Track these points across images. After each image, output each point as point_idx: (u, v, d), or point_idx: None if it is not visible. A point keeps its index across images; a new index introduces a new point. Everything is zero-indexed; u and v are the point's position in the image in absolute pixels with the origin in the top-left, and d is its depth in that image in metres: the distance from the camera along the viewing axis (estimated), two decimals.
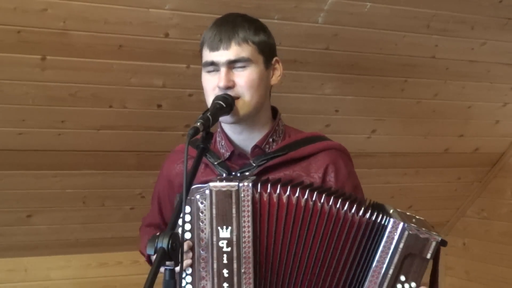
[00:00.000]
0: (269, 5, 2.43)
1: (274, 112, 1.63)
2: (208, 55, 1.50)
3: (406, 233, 1.35)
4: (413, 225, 1.36)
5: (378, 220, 1.38)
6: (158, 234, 1.20)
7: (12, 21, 2.21)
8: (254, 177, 1.47)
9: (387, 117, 3.21)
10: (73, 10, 2.23)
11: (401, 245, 1.35)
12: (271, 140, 1.57)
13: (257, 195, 1.38)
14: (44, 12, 2.20)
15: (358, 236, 1.38)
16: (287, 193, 1.39)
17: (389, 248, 1.36)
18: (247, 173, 1.52)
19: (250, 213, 1.38)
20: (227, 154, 1.57)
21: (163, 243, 1.17)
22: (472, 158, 3.72)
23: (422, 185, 3.76)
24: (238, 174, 1.52)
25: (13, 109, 2.51)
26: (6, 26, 2.22)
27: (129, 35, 2.39)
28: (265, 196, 1.38)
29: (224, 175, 1.53)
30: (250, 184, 1.38)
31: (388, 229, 1.36)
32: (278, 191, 1.39)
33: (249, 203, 1.38)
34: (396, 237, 1.35)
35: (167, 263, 1.19)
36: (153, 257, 1.57)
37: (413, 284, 1.35)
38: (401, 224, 1.35)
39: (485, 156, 3.74)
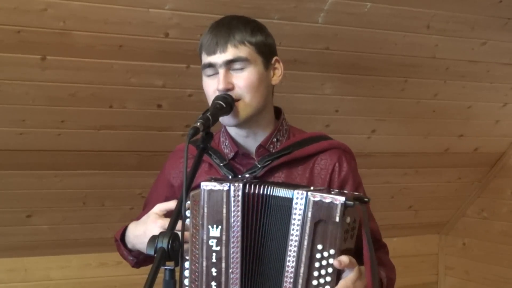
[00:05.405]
0: (269, 5, 2.43)
1: (278, 112, 1.62)
2: (206, 59, 1.50)
3: (311, 201, 1.33)
4: (317, 192, 1.35)
5: (283, 195, 1.38)
6: (158, 234, 1.20)
7: (12, 21, 2.21)
8: (250, 178, 1.47)
9: (387, 117, 3.21)
10: (73, 10, 2.23)
11: (309, 214, 1.33)
12: (275, 140, 1.57)
13: (247, 196, 1.39)
14: (44, 12, 2.20)
15: (274, 214, 1.39)
16: (264, 191, 1.40)
17: (299, 220, 1.35)
18: (247, 175, 1.52)
19: (240, 213, 1.38)
20: (231, 155, 1.57)
21: (163, 243, 1.18)
22: (472, 158, 3.72)
23: (422, 185, 3.76)
24: (247, 175, 1.52)
25: (13, 109, 2.51)
26: (6, 26, 2.22)
27: (129, 35, 2.39)
28: (254, 196, 1.39)
29: (230, 177, 1.53)
30: (241, 185, 1.38)
31: (294, 201, 1.36)
32: (264, 191, 1.39)
33: (239, 203, 1.38)
34: (302, 207, 1.35)
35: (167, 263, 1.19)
36: (134, 242, 1.58)
37: (332, 251, 1.33)
38: (304, 194, 1.35)
39: (485, 156, 3.74)
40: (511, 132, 3.63)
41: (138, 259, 1.64)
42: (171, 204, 1.47)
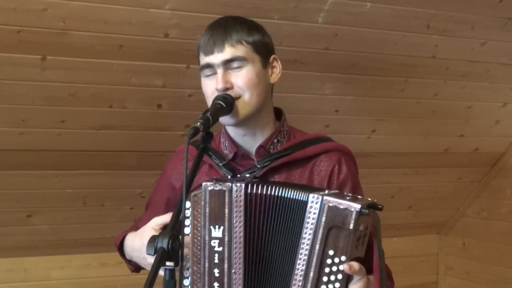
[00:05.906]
0: (269, 5, 2.43)
1: (279, 113, 1.62)
2: (204, 59, 1.50)
3: (326, 206, 1.32)
4: (332, 197, 1.33)
5: (297, 197, 1.37)
6: (158, 234, 1.20)
7: (12, 21, 2.21)
8: (250, 178, 1.47)
9: (387, 117, 3.21)
10: (73, 10, 2.23)
11: (323, 219, 1.32)
12: (275, 140, 1.56)
13: (249, 196, 1.38)
14: (44, 12, 2.21)
15: (283, 215, 1.39)
16: (269, 192, 1.40)
17: (312, 224, 1.34)
18: (247, 175, 1.52)
19: (242, 214, 1.38)
20: (230, 155, 1.57)
21: (163, 243, 1.18)
22: (472, 158, 3.72)
23: (422, 185, 3.76)
24: (247, 175, 1.52)
25: (13, 109, 2.51)
26: (6, 26, 2.22)
27: (129, 35, 2.39)
28: (257, 196, 1.39)
29: (229, 177, 1.53)
30: (243, 185, 1.38)
31: (309, 205, 1.35)
32: (268, 191, 1.39)
33: (242, 203, 1.38)
34: (317, 212, 1.33)
35: (167, 263, 1.19)
36: (131, 254, 1.58)
37: (343, 258, 1.32)
38: (320, 198, 1.34)
39: (485, 156, 3.75)
40: (511, 132, 3.63)
41: (137, 266, 1.64)
42: (168, 218, 1.46)
